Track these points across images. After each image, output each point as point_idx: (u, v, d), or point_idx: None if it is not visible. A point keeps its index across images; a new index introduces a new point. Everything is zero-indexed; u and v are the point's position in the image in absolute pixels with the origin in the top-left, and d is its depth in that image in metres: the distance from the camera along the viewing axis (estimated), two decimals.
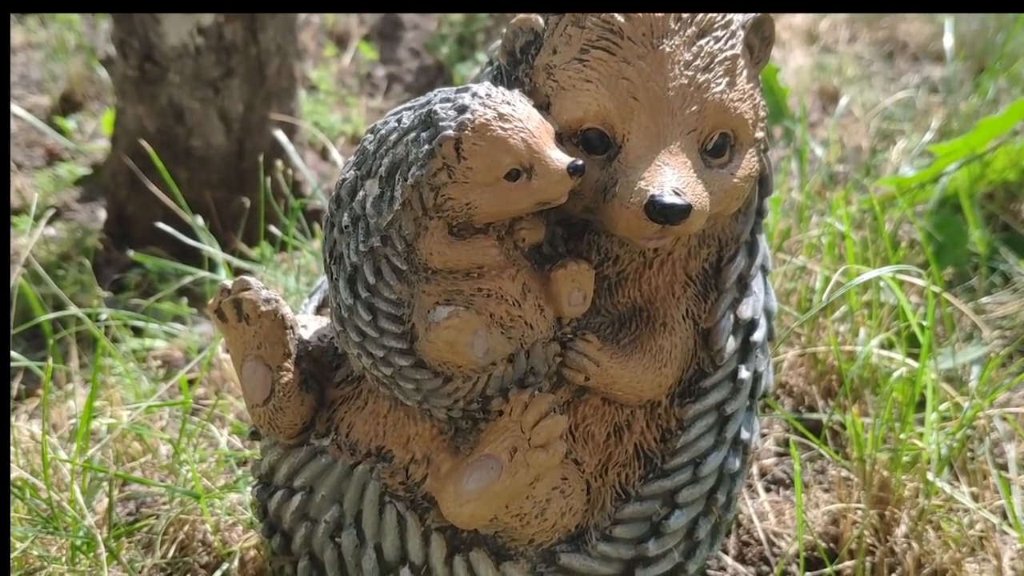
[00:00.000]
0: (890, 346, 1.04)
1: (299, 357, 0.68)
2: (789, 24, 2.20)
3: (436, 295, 0.61)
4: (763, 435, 1.03)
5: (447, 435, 0.65)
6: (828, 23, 2.25)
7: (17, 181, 1.71)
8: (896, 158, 1.51)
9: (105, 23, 2.18)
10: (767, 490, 0.97)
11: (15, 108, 1.76)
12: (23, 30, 2.26)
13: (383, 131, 0.61)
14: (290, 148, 1.38)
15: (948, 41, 1.68)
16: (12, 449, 0.89)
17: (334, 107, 1.97)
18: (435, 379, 0.62)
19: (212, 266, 1.24)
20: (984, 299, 1.21)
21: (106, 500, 0.86)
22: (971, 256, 1.26)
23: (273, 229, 1.34)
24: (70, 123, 1.91)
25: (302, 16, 2.19)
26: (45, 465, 0.80)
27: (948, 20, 1.86)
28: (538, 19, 0.65)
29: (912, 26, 2.24)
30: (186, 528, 0.86)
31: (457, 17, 2.16)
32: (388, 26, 2.22)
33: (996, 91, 1.65)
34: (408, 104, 0.62)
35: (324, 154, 1.76)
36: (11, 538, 0.78)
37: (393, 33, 2.20)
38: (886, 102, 1.70)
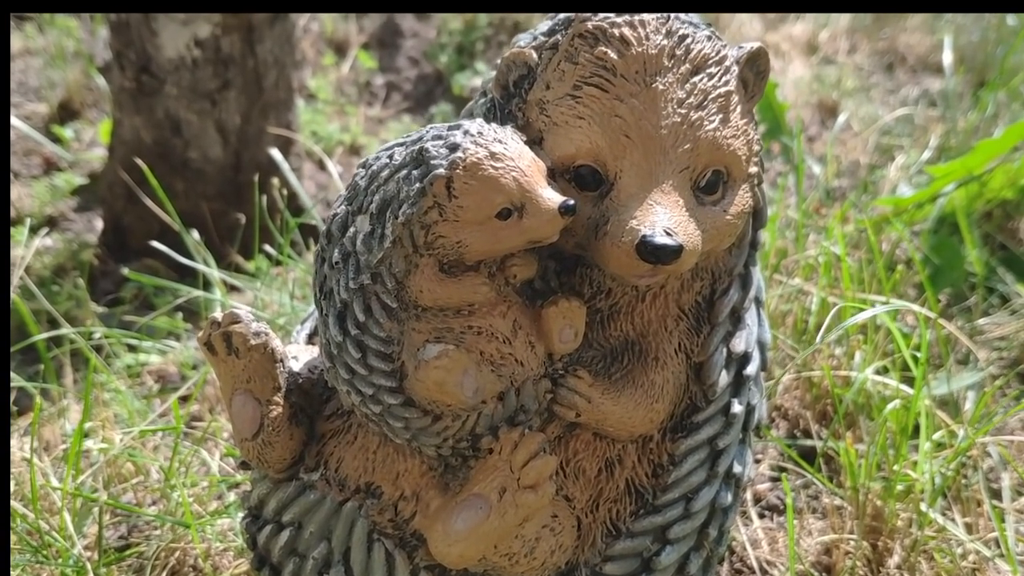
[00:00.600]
0: (885, 371, 1.04)
1: (289, 390, 0.67)
2: (789, 35, 2.20)
3: (426, 333, 0.61)
4: (757, 460, 1.02)
5: (436, 472, 0.65)
6: (828, 33, 2.25)
7: (14, 191, 1.71)
8: (894, 175, 1.50)
9: (104, 30, 2.18)
10: (761, 516, 0.96)
11: (12, 117, 1.75)
12: (21, 36, 2.26)
13: (375, 167, 0.61)
14: (285, 166, 1.38)
15: (947, 56, 1.68)
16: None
17: (333, 116, 1.97)
18: (424, 417, 0.62)
19: (207, 282, 1.23)
20: (981, 320, 1.21)
21: (97, 524, 0.86)
22: (968, 276, 1.26)
23: (268, 248, 1.34)
24: (68, 132, 1.91)
25: (301, 24, 2.19)
26: (34, 492, 0.80)
27: (947, 33, 1.86)
28: (532, 54, 0.64)
29: (912, 37, 2.23)
30: (177, 554, 0.86)
31: (456, 26, 2.16)
32: (387, 34, 2.22)
33: (996, 106, 1.64)
34: (400, 140, 0.62)
35: (322, 164, 1.75)
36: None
37: (392, 42, 2.20)
38: (885, 118, 1.70)
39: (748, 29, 2.14)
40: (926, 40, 2.21)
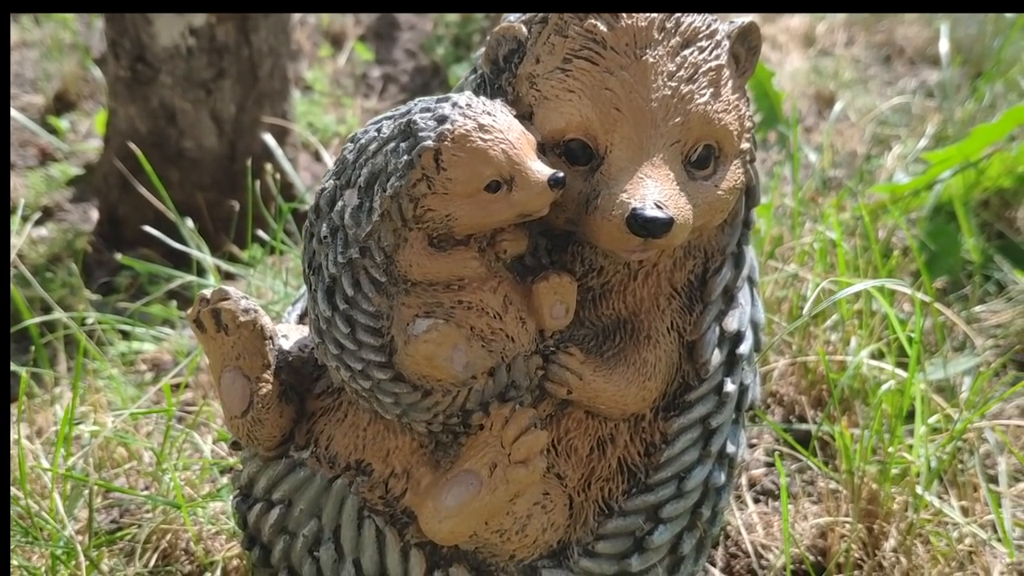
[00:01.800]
0: (881, 356, 1.03)
1: (279, 368, 0.67)
2: (786, 27, 2.19)
3: (415, 307, 0.61)
4: (752, 445, 1.02)
5: (427, 449, 0.65)
6: (825, 26, 2.24)
7: (10, 181, 1.71)
8: (891, 164, 1.50)
9: (100, 22, 2.17)
10: (756, 501, 0.96)
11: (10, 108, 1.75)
12: (18, 28, 2.25)
13: (363, 140, 0.61)
14: (279, 152, 1.37)
15: (944, 46, 1.67)
16: None
17: (329, 108, 1.97)
18: (414, 393, 0.61)
19: (201, 270, 1.23)
20: (978, 308, 1.21)
21: (88, 507, 0.85)
22: (965, 264, 1.25)
23: (262, 233, 1.33)
24: (64, 123, 1.90)
25: (297, 16, 2.18)
26: (23, 473, 0.79)
27: (944, 24, 1.85)
28: (521, 28, 0.64)
29: (910, 30, 2.23)
30: (168, 537, 0.85)
31: (453, 18, 2.16)
32: (384, 27, 2.21)
33: (992, 96, 1.64)
34: (389, 113, 0.61)
35: (317, 155, 1.75)
36: None
37: (389, 34, 2.20)
38: (882, 107, 1.69)
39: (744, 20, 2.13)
40: (923, 33, 2.21)
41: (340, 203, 0.60)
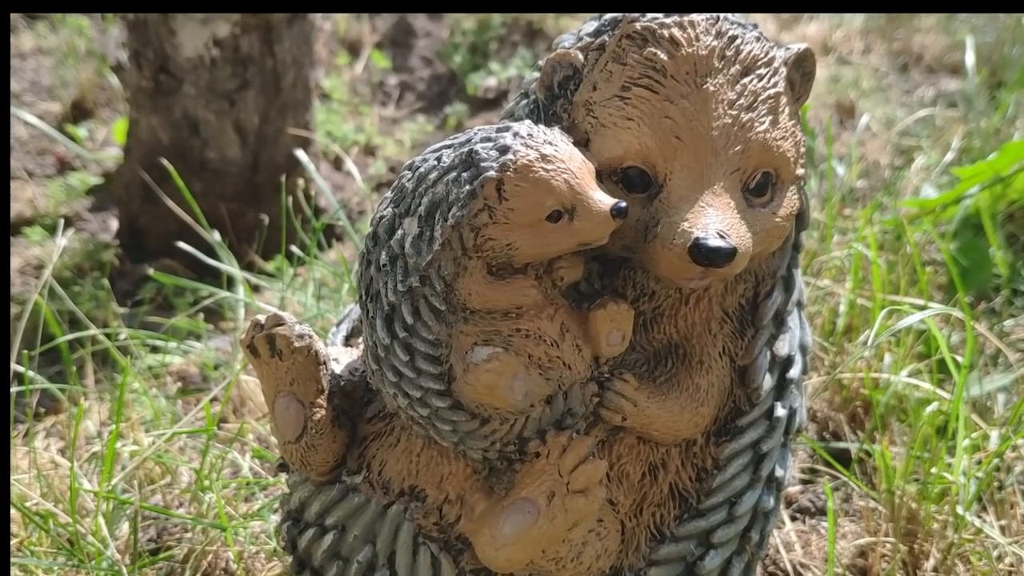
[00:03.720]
0: (917, 373, 1.03)
1: (331, 393, 0.67)
2: (803, 35, 2.19)
3: (474, 336, 0.60)
4: None
5: (481, 475, 0.64)
6: (843, 33, 2.24)
7: (28, 190, 1.71)
8: (916, 176, 1.50)
9: (116, 29, 2.17)
10: (793, 519, 0.96)
11: (26, 115, 1.75)
12: (33, 35, 2.25)
13: (422, 169, 0.60)
14: (311, 167, 1.37)
15: (970, 58, 1.67)
16: (33, 474, 0.88)
17: (347, 116, 1.96)
18: (472, 421, 0.61)
19: (229, 282, 1.23)
20: (1007, 322, 1.20)
21: (127, 525, 0.85)
22: (993, 278, 1.25)
23: (294, 248, 1.33)
24: (81, 131, 1.90)
25: (317, 21, 2.18)
26: (73, 497, 0.79)
27: (968, 35, 1.85)
28: (577, 55, 0.64)
29: (927, 38, 2.22)
30: (209, 557, 0.85)
31: (469, 25, 2.16)
32: (400, 34, 2.21)
33: (1016, 107, 1.64)
34: (447, 142, 0.61)
35: (338, 164, 1.75)
36: (35, 570, 0.77)
37: (405, 41, 2.19)
38: (906, 120, 1.69)
39: (761, 29, 2.13)
40: (941, 40, 2.20)
41: (400, 232, 0.60)
